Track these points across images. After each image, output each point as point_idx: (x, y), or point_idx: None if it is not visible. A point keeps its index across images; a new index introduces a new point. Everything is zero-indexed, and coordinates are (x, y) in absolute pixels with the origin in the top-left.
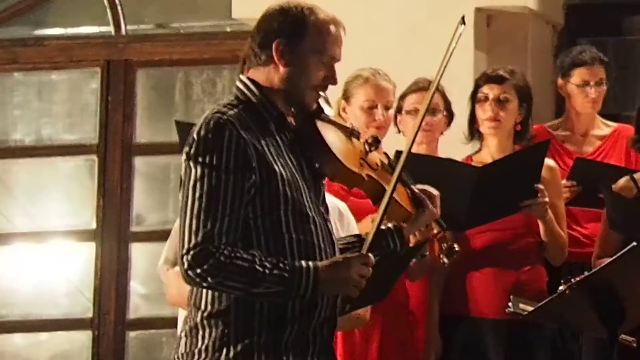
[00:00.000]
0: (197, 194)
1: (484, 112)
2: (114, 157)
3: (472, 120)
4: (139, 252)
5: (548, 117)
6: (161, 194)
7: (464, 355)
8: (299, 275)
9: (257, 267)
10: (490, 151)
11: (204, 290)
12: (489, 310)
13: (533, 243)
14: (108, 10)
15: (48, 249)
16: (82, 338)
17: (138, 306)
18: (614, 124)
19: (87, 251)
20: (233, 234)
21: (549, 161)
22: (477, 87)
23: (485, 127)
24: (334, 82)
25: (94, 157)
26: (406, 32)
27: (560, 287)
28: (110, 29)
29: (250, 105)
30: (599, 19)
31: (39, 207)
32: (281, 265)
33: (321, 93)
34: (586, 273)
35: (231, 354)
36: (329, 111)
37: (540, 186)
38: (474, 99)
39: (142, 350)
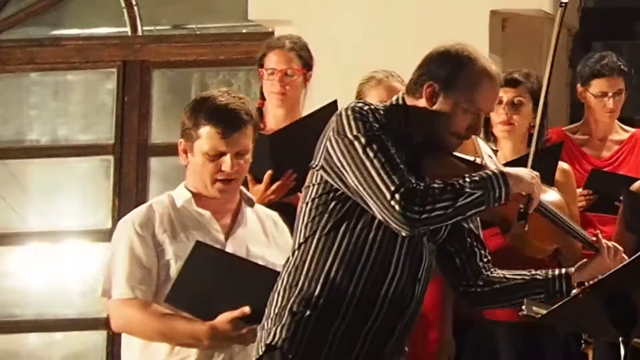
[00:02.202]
0: (372, 154)
1: (498, 116)
2: (129, 157)
3: (487, 122)
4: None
5: (563, 120)
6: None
7: (476, 358)
8: (490, 176)
9: (452, 182)
10: (504, 154)
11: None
12: (502, 313)
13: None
14: (124, 11)
15: (63, 248)
16: (97, 338)
17: None
18: (632, 129)
19: (102, 251)
20: None
21: (562, 164)
22: None
23: (499, 131)
24: (477, 133)
25: (110, 158)
26: (419, 36)
27: (574, 291)
28: (126, 29)
29: (391, 112)
30: (614, 23)
31: (54, 207)
32: (469, 177)
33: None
34: (600, 276)
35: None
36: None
37: (554, 189)
38: None
39: None
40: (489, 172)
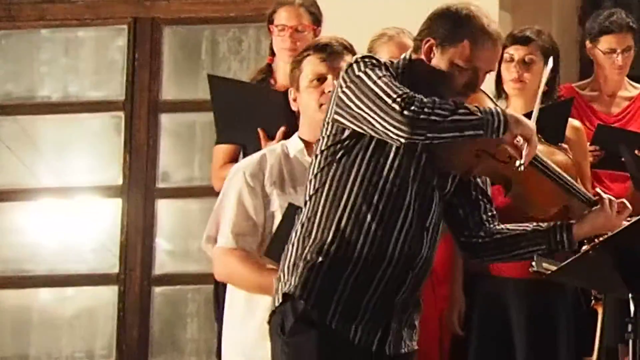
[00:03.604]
0: (376, 77)
1: (509, 73)
2: (140, 114)
3: (499, 80)
4: (165, 208)
5: (573, 78)
6: (187, 151)
7: (486, 314)
8: (491, 109)
9: (454, 100)
10: (515, 111)
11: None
12: (512, 270)
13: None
14: None
15: (74, 204)
16: (108, 293)
17: (164, 262)
18: None
19: (114, 207)
20: None
21: (573, 121)
22: (503, 47)
23: (510, 88)
24: (474, 90)
25: (121, 114)
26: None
27: (584, 247)
28: None
29: (397, 68)
30: None
31: (66, 163)
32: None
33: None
34: (610, 233)
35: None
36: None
37: (565, 145)
38: (500, 59)
39: (167, 306)
40: (492, 107)
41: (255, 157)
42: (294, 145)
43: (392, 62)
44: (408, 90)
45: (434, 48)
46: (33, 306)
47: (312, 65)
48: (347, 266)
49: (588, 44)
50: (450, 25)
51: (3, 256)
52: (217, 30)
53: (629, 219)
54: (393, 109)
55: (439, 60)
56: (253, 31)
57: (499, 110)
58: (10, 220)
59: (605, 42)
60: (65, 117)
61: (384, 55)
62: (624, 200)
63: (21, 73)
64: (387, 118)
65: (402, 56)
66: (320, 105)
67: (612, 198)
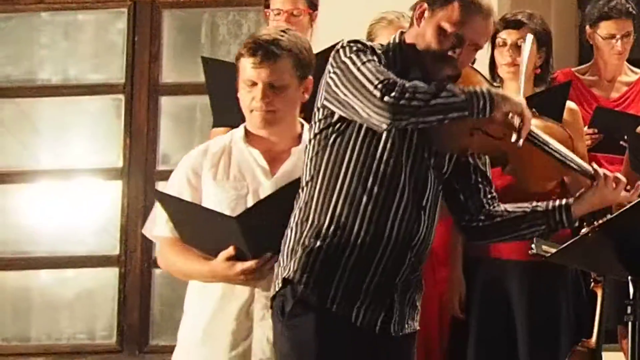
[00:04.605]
0: (360, 63)
1: (503, 57)
2: (140, 96)
3: (493, 65)
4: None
5: (572, 61)
6: (187, 133)
7: (486, 296)
8: (476, 89)
9: (438, 83)
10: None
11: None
12: (512, 252)
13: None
14: None
15: (75, 187)
16: (109, 275)
17: None
18: None
19: (114, 189)
20: None
21: (570, 103)
22: (496, 31)
23: (504, 72)
24: (455, 59)
25: (121, 97)
26: None
27: (583, 230)
28: None
29: (388, 52)
30: None
31: (66, 146)
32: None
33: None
34: (609, 216)
35: (311, 280)
36: None
37: (556, 123)
38: (493, 43)
39: (167, 287)
40: (478, 87)
41: (200, 147)
42: (238, 134)
43: (382, 45)
44: (390, 76)
45: (425, 12)
46: (34, 288)
47: (243, 68)
48: (345, 250)
49: (588, 29)
50: None
51: (3, 238)
52: (217, 14)
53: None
54: (374, 95)
55: (426, 23)
56: (253, 14)
57: (484, 89)
58: (11, 202)
59: (605, 27)
60: (65, 100)
61: (383, 40)
62: (617, 174)
63: (21, 56)
64: (369, 105)
65: (392, 38)
66: (251, 111)
67: (608, 173)
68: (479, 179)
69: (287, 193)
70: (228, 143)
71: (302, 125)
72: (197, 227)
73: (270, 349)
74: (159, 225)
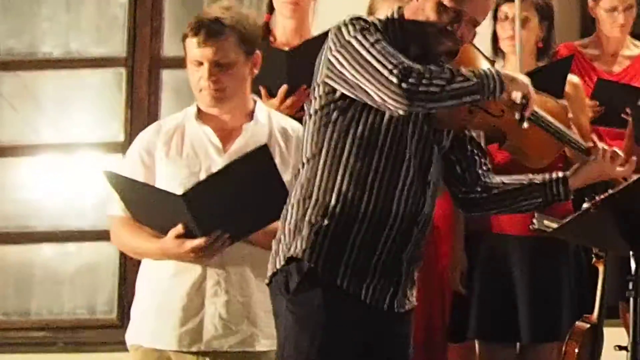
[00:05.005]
0: (369, 45)
1: (505, 31)
2: (141, 70)
3: (495, 38)
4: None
5: (574, 36)
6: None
7: (487, 271)
8: (485, 70)
9: (449, 67)
10: (512, 69)
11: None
12: (513, 228)
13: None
14: None
15: (76, 161)
16: (110, 249)
17: None
18: None
19: (115, 163)
20: None
21: (572, 77)
22: (497, 5)
23: (506, 46)
24: (454, 33)
25: (122, 70)
26: None
27: (585, 205)
28: None
29: (387, 27)
30: None
31: (67, 120)
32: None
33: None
34: (610, 191)
35: (321, 258)
36: None
37: (564, 101)
38: (495, 17)
39: None
40: (486, 69)
41: (153, 125)
42: (191, 111)
43: (379, 20)
44: (403, 59)
45: None
46: (35, 262)
47: (189, 48)
48: (352, 227)
49: (590, 2)
50: None
51: (5, 212)
52: None
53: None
54: (390, 81)
55: None
56: None
57: (493, 71)
58: (12, 176)
59: (607, 0)
60: (66, 73)
61: (384, 13)
62: (615, 148)
63: (23, 29)
64: (384, 90)
65: (390, 13)
66: (200, 90)
67: (606, 147)
68: (475, 150)
69: (236, 169)
70: (181, 121)
71: (255, 102)
72: (147, 205)
73: (223, 325)
74: (111, 204)
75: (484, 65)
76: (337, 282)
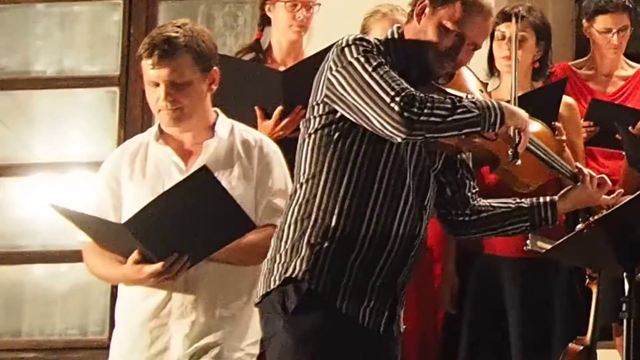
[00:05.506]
0: (371, 68)
1: (501, 51)
2: (135, 89)
3: (491, 57)
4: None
5: (568, 56)
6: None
7: (479, 292)
8: (488, 103)
9: (452, 97)
10: (507, 88)
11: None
12: (506, 248)
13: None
14: None
15: (68, 180)
16: None
17: None
18: (638, 65)
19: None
20: None
21: (567, 98)
22: (495, 24)
23: (502, 65)
24: (455, 56)
25: (116, 89)
26: None
27: (579, 226)
28: None
29: (388, 47)
30: None
31: (60, 138)
32: (468, 98)
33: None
34: (604, 211)
35: (321, 280)
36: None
37: (558, 124)
38: (492, 36)
39: None
40: (487, 100)
41: (118, 148)
42: (153, 131)
43: (379, 41)
44: (406, 86)
45: (426, 9)
46: (26, 282)
47: (144, 69)
48: (353, 249)
49: (584, 23)
50: None
51: None
52: (213, 5)
53: (623, 197)
54: (392, 108)
55: (427, 20)
56: (249, 6)
57: (495, 104)
58: (5, 195)
59: (601, 21)
60: (60, 92)
61: (377, 33)
62: (604, 176)
63: (16, 47)
64: (384, 117)
65: (390, 33)
66: (159, 110)
67: (592, 173)
68: (465, 173)
69: (178, 194)
70: (144, 141)
71: (218, 115)
72: (101, 234)
73: (189, 346)
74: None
75: (475, 89)
76: (336, 304)
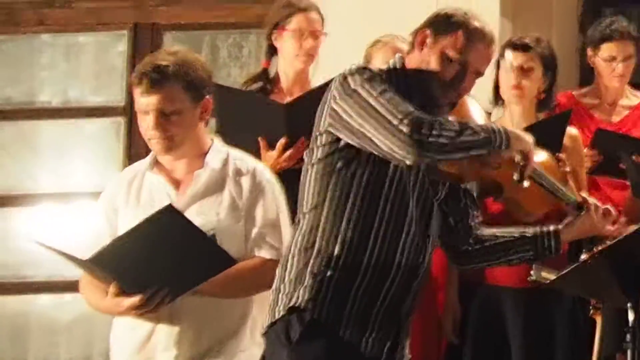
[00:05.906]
0: (376, 94)
1: (508, 80)
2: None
3: (496, 87)
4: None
5: (572, 85)
6: None
7: (481, 322)
8: (493, 126)
9: (458, 120)
10: (513, 118)
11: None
12: (509, 279)
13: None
14: None
15: (73, 210)
16: None
17: None
18: None
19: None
20: None
21: (571, 129)
22: (501, 54)
23: (508, 95)
24: (459, 85)
25: (120, 120)
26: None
27: (583, 256)
28: None
29: (390, 76)
30: None
31: (65, 169)
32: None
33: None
34: (608, 242)
35: (324, 309)
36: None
37: (562, 155)
38: (498, 65)
39: None
40: (492, 124)
41: (115, 178)
42: (147, 159)
43: (382, 70)
44: (412, 109)
45: (427, 39)
46: (31, 312)
47: (135, 97)
48: (356, 278)
49: (589, 51)
50: (446, 19)
51: (2, 261)
52: (218, 36)
53: (628, 227)
54: (400, 130)
55: (430, 50)
56: (253, 37)
57: (500, 128)
58: (10, 225)
59: (606, 49)
60: (65, 122)
61: (379, 61)
62: (609, 206)
63: (21, 78)
64: (393, 139)
65: (392, 62)
66: (149, 139)
67: (598, 203)
68: (468, 203)
69: (144, 231)
70: (141, 169)
71: (213, 142)
72: (85, 269)
73: None
74: None
75: (479, 118)
76: (339, 333)
